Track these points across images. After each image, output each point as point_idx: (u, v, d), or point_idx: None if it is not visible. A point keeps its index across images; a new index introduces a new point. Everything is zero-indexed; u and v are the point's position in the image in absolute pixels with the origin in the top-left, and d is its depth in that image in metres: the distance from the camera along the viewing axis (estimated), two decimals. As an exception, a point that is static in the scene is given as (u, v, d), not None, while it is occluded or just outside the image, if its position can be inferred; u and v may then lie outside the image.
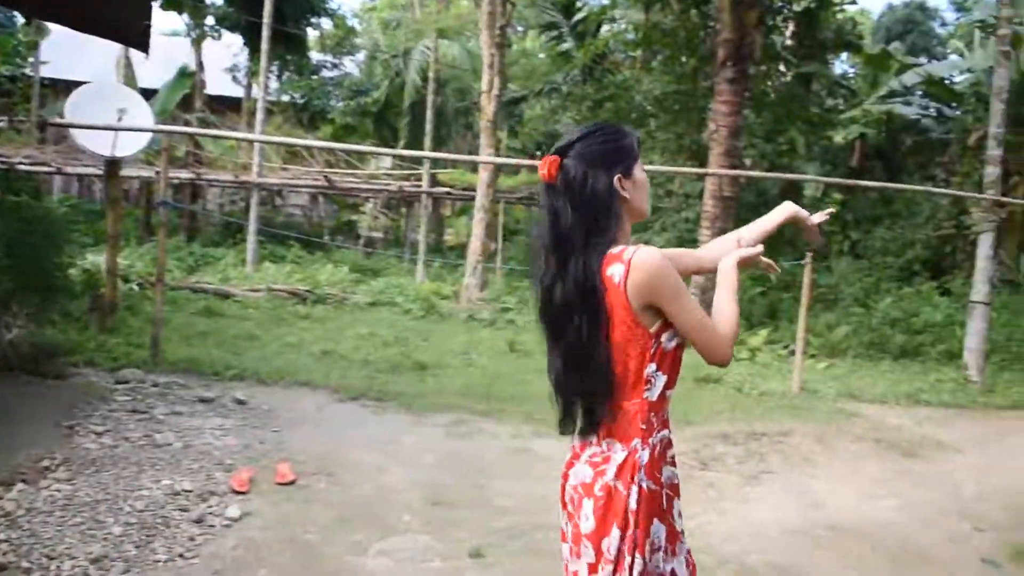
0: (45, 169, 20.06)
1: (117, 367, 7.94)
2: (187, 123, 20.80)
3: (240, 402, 7.20)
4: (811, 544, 4.97)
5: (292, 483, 5.34)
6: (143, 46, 8.71)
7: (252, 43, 23.95)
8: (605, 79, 19.49)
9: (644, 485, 2.22)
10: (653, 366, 2.23)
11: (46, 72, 25.29)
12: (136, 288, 12.51)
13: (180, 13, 24.80)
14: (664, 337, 2.23)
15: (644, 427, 2.25)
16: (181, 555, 4.27)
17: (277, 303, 13.15)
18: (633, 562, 2.19)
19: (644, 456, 2.23)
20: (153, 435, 6.06)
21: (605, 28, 21.17)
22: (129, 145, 9.60)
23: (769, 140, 16.46)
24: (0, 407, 6.37)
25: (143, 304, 11.06)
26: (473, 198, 16.95)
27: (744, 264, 2.48)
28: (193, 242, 19.75)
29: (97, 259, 11.16)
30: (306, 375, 8.39)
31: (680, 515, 2.36)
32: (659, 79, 16.72)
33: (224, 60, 26.32)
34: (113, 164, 9.65)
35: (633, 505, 2.21)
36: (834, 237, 17.99)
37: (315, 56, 28.55)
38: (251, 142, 19.33)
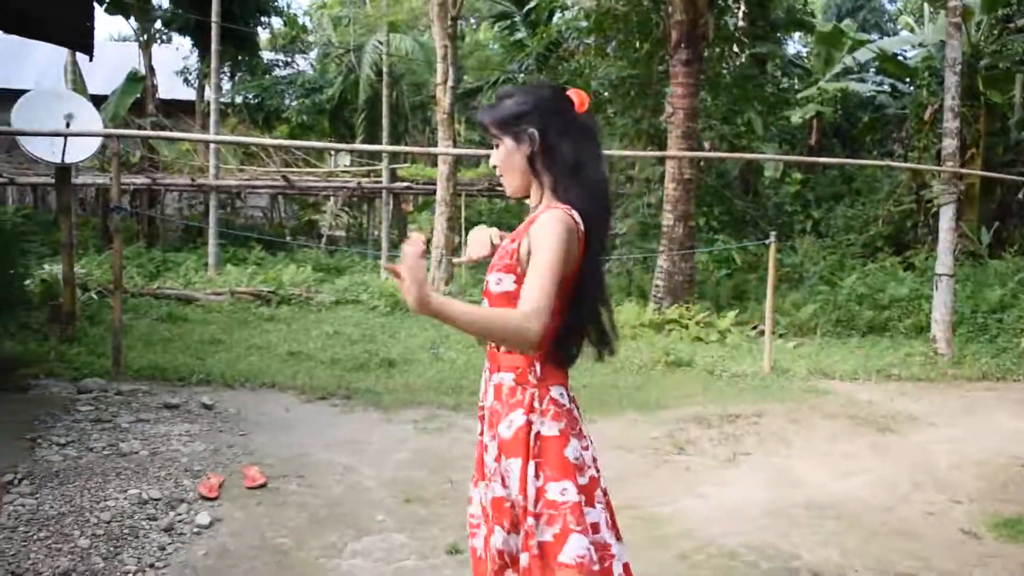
0: (-2, 180, 19.67)
1: (79, 377, 7.77)
2: (140, 127, 20.50)
3: (207, 407, 7.07)
4: (789, 523, 4.95)
5: (262, 487, 5.23)
6: (86, 48, 8.57)
7: (202, 45, 23.63)
8: (560, 67, 19.45)
9: None
10: None
11: (-8, 82, 24.83)
12: (95, 297, 12.27)
13: (127, 17, 24.50)
14: None
15: None
16: (151, 565, 4.16)
17: (241, 306, 12.98)
18: None
19: None
20: (118, 444, 5.91)
21: (557, 16, 21.12)
22: (79, 151, 9.39)
23: (727, 122, 16.53)
24: (-42, 423, 6.21)
25: (103, 312, 10.85)
26: (434, 192, 16.83)
27: None
28: (153, 248, 19.47)
29: (55, 269, 10.94)
30: (273, 377, 8.27)
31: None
32: (614, 65, 16.71)
33: (175, 63, 25.99)
34: (64, 171, 9.44)
35: None
36: (796, 216, 18.12)
37: (267, 55, 28.23)
38: (206, 143, 19.09)
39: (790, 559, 4.45)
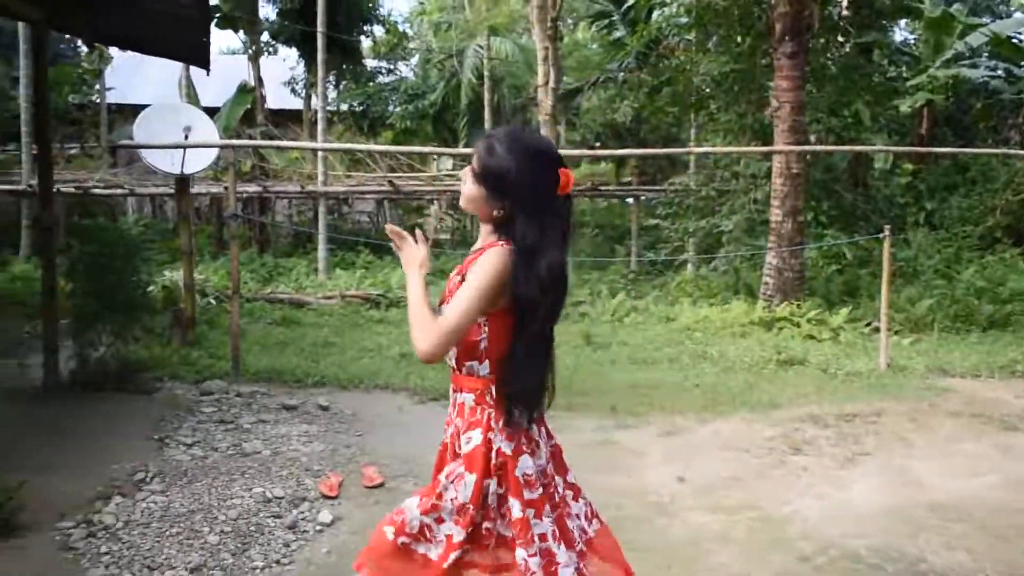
0: (118, 192, 20.52)
1: (201, 379, 8.06)
2: (251, 137, 21.11)
3: (323, 408, 7.26)
4: (914, 526, 4.81)
5: (380, 486, 5.34)
6: (204, 64, 8.88)
7: (308, 55, 24.22)
8: (661, 64, 19.27)
9: None
10: None
11: (112, 98, 25.91)
12: (213, 302, 12.70)
13: (236, 31, 25.22)
14: None
15: None
16: (277, 561, 4.29)
17: (351, 309, 13.25)
18: None
19: None
20: (241, 444, 6.12)
21: (656, 13, 20.91)
22: (197, 162, 9.75)
23: (833, 114, 16.10)
24: (93, 423, 6.51)
25: (221, 317, 11.22)
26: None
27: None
28: (265, 254, 20.03)
29: (174, 275, 11.35)
30: (386, 378, 8.42)
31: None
32: (716, 60, 16.46)
33: (282, 74, 26.68)
34: (183, 182, 9.81)
35: None
36: (908, 209, 17.56)
37: (370, 63, 28.77)
38: (314, 151, 19.54)
39: (916, 562, 4.34)
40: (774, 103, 12.57)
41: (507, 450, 2.46)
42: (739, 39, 15.82)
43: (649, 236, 20.39)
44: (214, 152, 9.99)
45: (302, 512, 4.89)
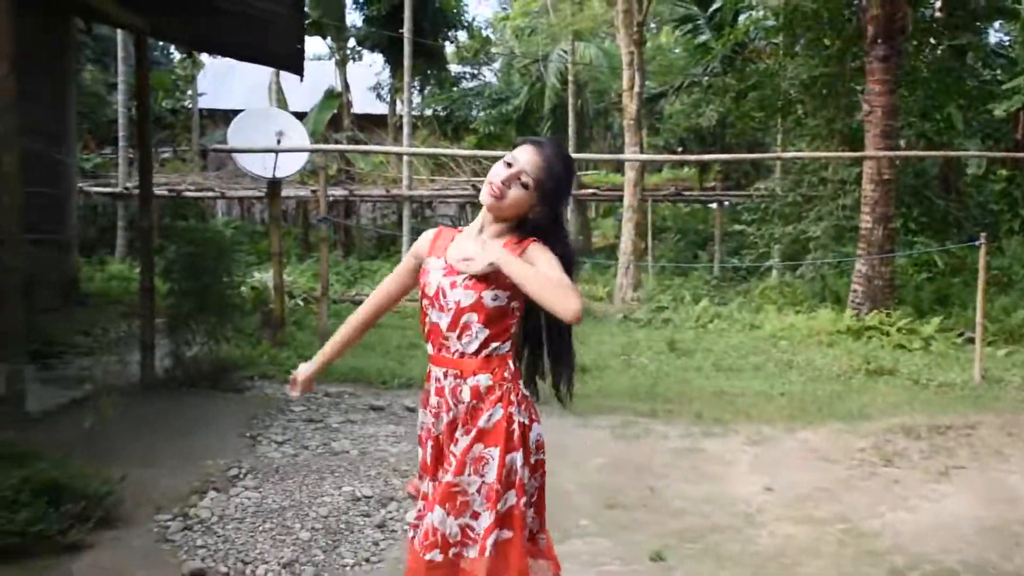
0: (209, 194, 21.06)
1: (286, 379, 8.21)
2: (337, 142, 21.48)
3: (410, 409, 7.34)
4: (1011, 542, 4.68)
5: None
6: (298, 69, 9.09)
7: (393, 61, 24.56)
8: (747, 68, 19.06)
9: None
10: None
11: (203, 103, 26.60)
12: (300, 303, 12.95)
13: (323, 38, 25.69)
14: None
15: None
16: (367, 559, 4.36)
17: (434, 312, 13.34)
18: None
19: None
20: (330, 443, 6.24)
21: (743, 16, 20.69)
22: (288, 166, 9.95)
23: (925, 118, 15.74)
24: (187, 419, 6.71)
25: (308, 318, 11.45)
26: (618, 199, 16.83)
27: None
28: (349, 256, 20.38)
29: (263, 277, 11.60)
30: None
31: (426, 459, 2.77)
32: (804, 63, 16.21)
33: (367, 79, 27.10)
34: (274, 185, 10.02)
35: None
36: (1002, 216, 17.06)
37: (454, 68, 29.04)
38: (399, 155, 19.80)
39: (1013, 579, 4.23)
40: (865, 107, 12.34)
41: (524, 420, 2.65)
42: (828, 42, 15.58)
43: (732, 242, 20.17)
44: (305, 156, 10.19)
45: (390, 512, 4.96)
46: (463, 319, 2.62)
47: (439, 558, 2.58)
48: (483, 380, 2.63)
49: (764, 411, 7.60)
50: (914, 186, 15.87)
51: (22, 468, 4.47)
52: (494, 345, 2.63)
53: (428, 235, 2.89)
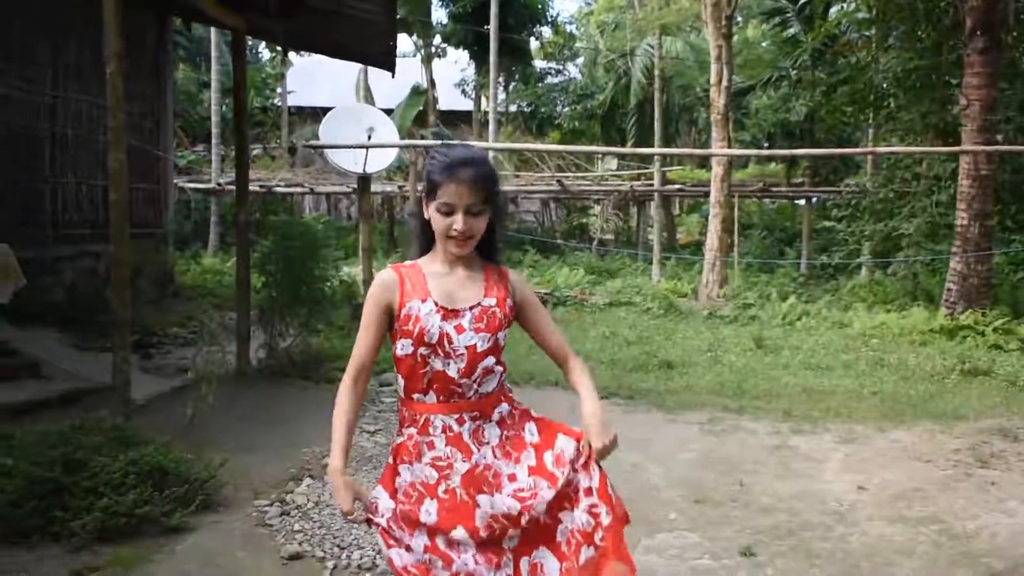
0: (298, 190, 21.46)
1: (379, 371, 8.35)
2: (423, 138, 21.70)
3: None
4: (1116, 545, 4.56)
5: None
6: (389, 66, 9.23)
7: (478, 57, 24.72)
8: (838, 62, 18.71)
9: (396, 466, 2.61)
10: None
11: (292, 101, 27.12)
12: (387, 297, 13.10)
13: (409, 35, 26.01)
14: (397, 344, 2.55)
15: (402, 417, 2.62)
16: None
17: (519, 307, 13.42)
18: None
19: (399, 441, 2.61)
20: (420, 434, 6.33)
21: (834, 9, 20.32)
22: (378, 162, 10.12)
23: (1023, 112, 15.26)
24: (282, 408, 6.89)
25: (399, 311, 11.56)
26: (703, 194, 16.68)
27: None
28: (434, 252, 20.54)
29: (351, 271, 11.81)
30: (556, 376, 8.48)
31: (429, 513, 2.50)
32: (898, 56, 15.85)
33: (451, 76, 27.34)
34: (364, 180, 10.20)
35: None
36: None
37: (538, 64, 29.09)
38: (485, 151, 19.92)
39: (1117, 585, 4.11)
40: (963, 101, 12.02)
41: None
42: (923, 34, 15.20)
43: (819, 239, 19.84)
44: (394, 152, 10.35)
45: (479, 503, 5.02)
46: (482, 364, 2.51)
47: (591, 553, 2.55)
48: (504, 409, 2.62)
49: (855, 409, 7.49)
50: (1013, 182, 15.39)
51: (129, 452, 4.66)
52: (503, 373, 2.63)
53: (389, 280, 2.57)
